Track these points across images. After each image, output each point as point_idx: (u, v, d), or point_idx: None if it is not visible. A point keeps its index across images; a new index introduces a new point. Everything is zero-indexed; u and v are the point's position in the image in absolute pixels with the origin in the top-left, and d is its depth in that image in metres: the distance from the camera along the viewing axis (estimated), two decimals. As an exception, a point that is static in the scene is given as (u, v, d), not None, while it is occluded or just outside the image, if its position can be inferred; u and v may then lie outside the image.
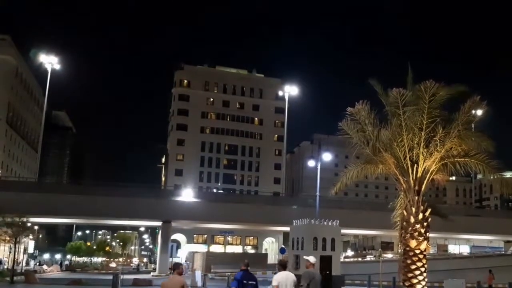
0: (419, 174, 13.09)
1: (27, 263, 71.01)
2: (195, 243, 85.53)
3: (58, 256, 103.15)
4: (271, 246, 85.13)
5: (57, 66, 60.93)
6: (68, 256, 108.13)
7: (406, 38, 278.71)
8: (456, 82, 13.75)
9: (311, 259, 10.50)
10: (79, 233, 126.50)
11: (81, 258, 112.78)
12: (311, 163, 53.91)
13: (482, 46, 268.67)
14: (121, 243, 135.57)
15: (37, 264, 73.57)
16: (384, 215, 14.62)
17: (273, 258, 74.05)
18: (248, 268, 10.21)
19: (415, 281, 12.41)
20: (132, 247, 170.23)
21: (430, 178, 13.43)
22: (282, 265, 9.86)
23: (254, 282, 9.91)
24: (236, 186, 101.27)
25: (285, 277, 9.57)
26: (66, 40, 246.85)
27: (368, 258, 66.80)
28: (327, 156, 48.16)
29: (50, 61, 60.11)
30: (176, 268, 9.18)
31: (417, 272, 12.45)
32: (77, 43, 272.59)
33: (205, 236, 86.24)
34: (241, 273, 9.90)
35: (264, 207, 58.16)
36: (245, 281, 9.75)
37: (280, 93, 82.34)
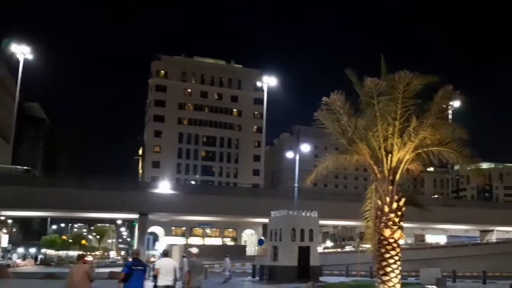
0: (393, 164, 13.16)
1: (3, 257, 69.57)
2: (174, 236, 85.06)
3: (32, 250, 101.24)
4: (250, 238, 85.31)
5: (30, 56, 59.41)
6: (43, 250, 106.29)
7: (390, 31, 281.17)
8: (445, 79, 13.85)
9: (194, 250, 12.92)
10: (54, 227, 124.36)
11: (56, 252, 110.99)
12: (290, 154, 54.08)
13: (472, 42, 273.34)
14: (98, 237, 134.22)
15: (10, 258, 72.06)
16: (363, 206, 14.71)
17: (252, 250, 74.33)
18: (139, 256, 12.34)
19: (389, 269, 12.50)
20: (110, 240, 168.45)
21: (405, 168, 13.51)
22: (164, 254, 12.76)
23: (143, 268, 11.58)
24: (215, 178, 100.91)
25: (166, 263, 11.96)
26: (39, 29, 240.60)
27: (347, 248, 67.76)
28: (306, 148, 48.33)
29: (22, 51, 58.55)
30: (81, 258, 11.15)
31: (391, 261, 12.54)
32: (50, 33, 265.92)
33: (184, 228, 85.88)
34: (132, 261, 11.57)
35: (243, 199, 58.17)
36: (134, 267, 11.21)
37: (259, 84, 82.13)
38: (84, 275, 10.36)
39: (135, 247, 64.77)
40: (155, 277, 11.95)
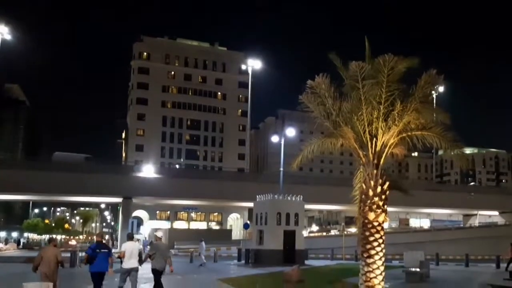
0: (378, 148, 13.20)
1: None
2: (158, 220, 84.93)
3: (15, 234, 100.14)
4: (236, 222, 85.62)
5: (8, 37, 57.83)
6: (26, 234, 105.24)
7: (376, 16, 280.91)
8: (431, 66, 13.83)
9: (158, 234, 13.69)
10: (36, 210, 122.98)
11: (39, 236, 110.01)
12: (275, 138, 54.05)
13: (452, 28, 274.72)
14: (82, 221, 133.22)
15: None
16: (348, 191, 14.78)
17: (238, 234, 74.65)
18: (103, 240, 13.27)
19: (373, 252, 12.62)
20: (93, 224, 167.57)
21: (389, 152, 13.57)
22: (129, 237, 13.56)
23: (107, 250, 12.35)
24: (200, 162, 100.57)
25: (131, 245, 12.88)
26: (18, 10, 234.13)
27: (332, 232, 68.62)
28: (291, 132, 48.26)
29: (0, 31, 56.96)
30: (52, 241, 12.39)
31: (375, 244, 12.66)
32: (29, 13, 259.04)
33: (168, 212, 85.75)
34: (95, 244, 12.46)
35: (229, 183, 58.17)
36: (97, 250, 12.07)
37: (244, 67, 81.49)
38: (54, 257, 11.49)
39: (119, 231, 64.66)
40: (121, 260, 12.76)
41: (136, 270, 12.78)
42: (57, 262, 11.54)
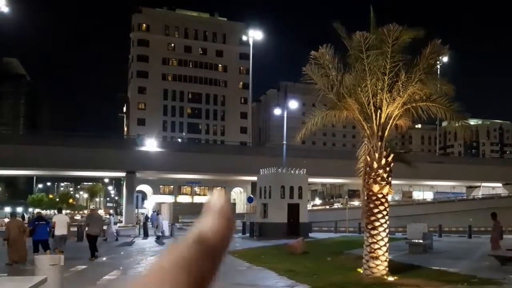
0: (382, 120, 13.07)
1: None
2: (162, 194, 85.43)
3: (19, 209, 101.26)
4: (239, 196, 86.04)
5: (5, 9, 56.92)
6: (30, 209, 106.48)
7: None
8: (433, 34, 13.54)
9: (91, 207, 18.53)
10: (40, 186, 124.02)
11: (43, 211, 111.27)
12: (277, 111, 53.67)
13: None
14: (86, 196, 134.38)
15: None
16: (351, 164, 14.74)
17: (241, 208, 75.19)
18: (41, 215, 18.98)
19: (377, 224, 12.67)
20: (97, 199, 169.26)
21: (393, 124, 13.46)
22: (59, 210, 18.63)
23: (45, 222, 16.17)
24: (202, 135, 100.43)
25: (61, 218, 17.20)
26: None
27: (336, 206, 68.97)
28: (293, 104, 47.83)
29: (-4, 4, 55.99)
30: (14, 215, 16.73)
31: (380, 216, 12.69)
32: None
33: (172, 186, 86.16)
34: (36, 218, 17.05)
35: (231, 156, 58.12)
36: (37, 223, 15.88)
37: (244, 38, 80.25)
38: (18, 228, 14.64)
39: (123, 205, 65.24)
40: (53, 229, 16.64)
41: (65, 236, 16.77)
42: (23, 232, 14.65)
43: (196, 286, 0.39)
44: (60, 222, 16.62)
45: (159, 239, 29.37)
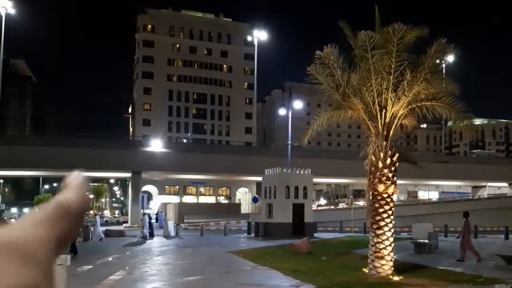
0: (387, 119, 13.05)
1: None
2: (167, 194, 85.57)
3: (26, 210, 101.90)
4: (244, 196, 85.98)
5: (12, 11, 57.31)
6: (37, 210, 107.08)
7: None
8: (440, 36, 13.50)
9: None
10: (47, 186, 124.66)
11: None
12: (282, 111, 53.65)
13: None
14: (95, 196, 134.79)
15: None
16: (356, 164, 14.76)
17: (246, 208, 75.23)
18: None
19: (382, 223, 12.65)
20: (103, 200, 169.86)
21: (398, 123, 13.44)
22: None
23: None
24: (207, 136, 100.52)
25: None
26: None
27: (341, 206, 68.81)
28: (298, 104, 47.77)
29: (3, 6, 56.41)
30: None
31: (385, 215, 12.67)
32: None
33: (177, 187, 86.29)
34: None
35: (236, 157, 58.16)
36: None
37: (249, 38, 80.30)
38: None
39: (129, 206, 65.49)
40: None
41: None
42: None
43: (56, 239, 0.48)
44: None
45: (145, 238, 29.51)
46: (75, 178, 0.55)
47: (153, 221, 40.58)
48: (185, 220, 53.48)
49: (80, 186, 0.53)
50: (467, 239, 16.83)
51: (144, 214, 33.42)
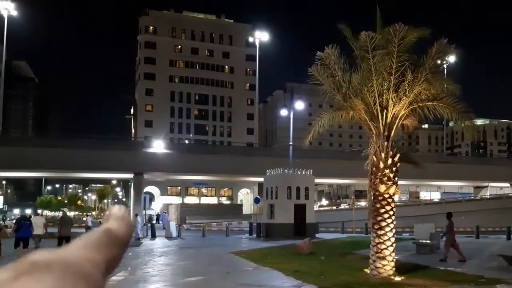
0: (388, 120, 13.06)
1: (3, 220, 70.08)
2: (169, 195, 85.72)
3: (28, 211, 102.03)
4: (246, 197, 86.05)
5: (14, 13, 57.53)
6: (39, 211, 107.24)
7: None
8: (439, 34, 13.52)
9: (65, 209, 22.35)
10: (49, 187, 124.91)
11: (52, 213, 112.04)
12: (283, 112, 53.65)
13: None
14: (94, 198, 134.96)
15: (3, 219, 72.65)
16: (357, 164, 14.73)
17: (248, 209, 75.24)
18: (25, 215, 21.79)
19: (384, 224, 12.65)
20: (105, 201, 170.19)
21: (400, 124, 13.44)
22: (35, 214, 25.71)
23: (29, 222, 18.24)
24: (208, 137, 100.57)
25: (38, 220, 20.23)
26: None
27: (342, 206, 68.74)
28: (299, 105, 47.73)
29: (5, 7, 56.64)
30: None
31: (386, 216, 12.68)
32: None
33: (179, 188, 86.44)
34: (20, 218, 19.42)
35: (238, 158, 58.13)
36: (22, 222, 18.01)
37: (251, 39, 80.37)
38: None
39: (131, 206, 65.59)
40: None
41: (40, 236, 19.03)
42: None
43: (106, 263, 0.51)
44: (36, 223, 18.89)
45: (138, 240, 29.30)
46: (119, 209, 0.60)
47: (154, 222, 40.66)
48: (187, 221, 53.60)
49: (125, 217, 0.58)
50: (452, 239, 16.90)
51: (136, 215, 33.32)
